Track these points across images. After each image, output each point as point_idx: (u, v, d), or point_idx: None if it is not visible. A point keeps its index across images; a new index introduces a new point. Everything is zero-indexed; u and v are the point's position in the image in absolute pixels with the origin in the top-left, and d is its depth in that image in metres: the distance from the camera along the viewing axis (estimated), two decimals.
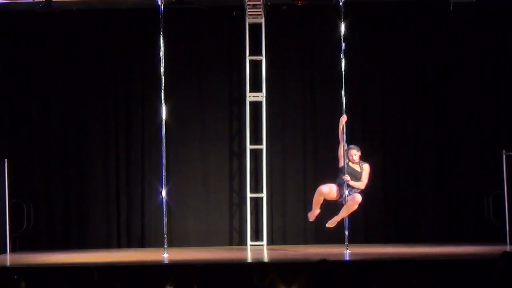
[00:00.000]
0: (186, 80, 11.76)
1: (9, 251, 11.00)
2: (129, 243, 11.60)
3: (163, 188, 10.18)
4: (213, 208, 11.67)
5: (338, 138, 9.96)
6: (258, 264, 6.11)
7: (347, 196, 9.79)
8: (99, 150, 11.71)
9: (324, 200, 9.95)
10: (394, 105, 11.70)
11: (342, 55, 10.14)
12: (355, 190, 9.81)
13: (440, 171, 11.58)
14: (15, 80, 11.74)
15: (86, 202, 11.66)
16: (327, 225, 10.03)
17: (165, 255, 9.78)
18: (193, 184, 11.70)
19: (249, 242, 11.28)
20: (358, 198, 9.78)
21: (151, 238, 11.53)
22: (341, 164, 9.89)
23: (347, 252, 9.68)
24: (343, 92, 10.08)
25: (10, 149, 11.56)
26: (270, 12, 11.31)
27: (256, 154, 11.53)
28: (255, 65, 11.48)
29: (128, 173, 11.70)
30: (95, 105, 11.77)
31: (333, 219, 9.97)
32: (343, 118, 9.92)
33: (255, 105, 11.51)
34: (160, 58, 10.33)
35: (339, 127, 9.93)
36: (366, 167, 9.90)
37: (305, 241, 11.52)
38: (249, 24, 11.37)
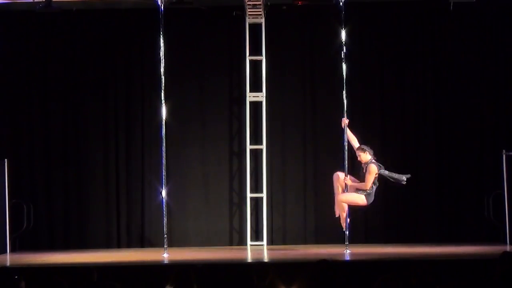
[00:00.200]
0: (186, 80, 11.75)
1: (9, 251, 11.00)
2: (129, 243, 11.60)
3: (163, 188, 10.17)
4: (213, 208, 11.66)
5: (349, 143, 9.91)
6: (258, 264, 6.12)
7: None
8: (99, 150, 11.71)
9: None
10: (394, 105, 11.70)
11: (342, 55, 10.14)
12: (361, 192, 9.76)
13: (440, 171, 11.58)
14: (15, 80, 11.74)
15: (86, 202, 11.66)
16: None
17: (165, 255, 9.79)
18: (193, 184, 11.70)
19: (249, 242, 11.28)
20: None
21: (151, 238, 11.53)
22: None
23: (347, 252, 9.68)
24: (344, 94, 10.07)
25: (10, 149, 11.57)
26: (270, 12, 11.30)
27: (256, 154, 11.52)
28: (255, 65, 11.47)
29: (128, 173, 11.70)
30: (95, 105, 11.77)
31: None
32: (345, 120, 9.91)
33: (255, 105, 11.51)
34: (160, 58, 10.32)
35: (345, 132, 9.88)
36: (369, 168, 9.74)
37: (305, 241, 11.52)
38: (249, 24, 11.37)
